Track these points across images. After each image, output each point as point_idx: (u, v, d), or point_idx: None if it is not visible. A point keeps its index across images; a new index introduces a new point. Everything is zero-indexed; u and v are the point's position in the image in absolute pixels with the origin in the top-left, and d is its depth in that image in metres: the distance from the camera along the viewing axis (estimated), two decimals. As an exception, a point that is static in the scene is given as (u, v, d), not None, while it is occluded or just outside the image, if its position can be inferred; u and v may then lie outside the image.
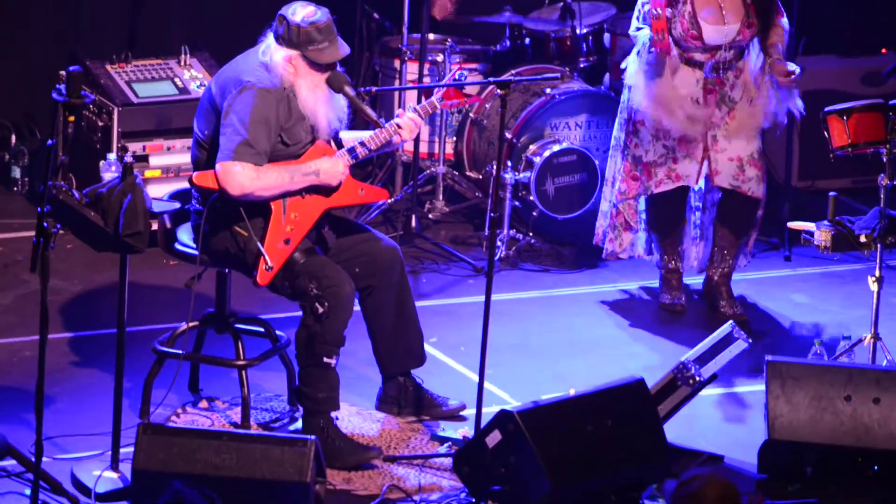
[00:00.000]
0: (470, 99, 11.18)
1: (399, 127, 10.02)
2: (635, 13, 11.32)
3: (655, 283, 11.82)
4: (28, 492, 9.16)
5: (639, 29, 11.28)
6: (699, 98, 11.26)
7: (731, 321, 10.47)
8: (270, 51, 9.75)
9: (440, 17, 12.78)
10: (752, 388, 10.39)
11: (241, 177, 9.55)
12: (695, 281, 11.80)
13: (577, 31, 12.54)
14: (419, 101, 11.15)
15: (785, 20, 11.34)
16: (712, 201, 11.44)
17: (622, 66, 11.53)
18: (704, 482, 7.75)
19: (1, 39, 12.84)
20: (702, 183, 11.34)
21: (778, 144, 12.01)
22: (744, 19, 11.17)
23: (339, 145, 9.91)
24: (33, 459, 9.00)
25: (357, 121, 10.00)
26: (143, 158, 11.62)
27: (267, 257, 9.65)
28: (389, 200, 11.91)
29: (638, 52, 11.35)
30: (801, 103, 11.32)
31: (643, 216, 11.55)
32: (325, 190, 9.81)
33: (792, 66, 11.16)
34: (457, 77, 10.74)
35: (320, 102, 9.78)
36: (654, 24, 11.02)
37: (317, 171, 9.71)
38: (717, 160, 11.28)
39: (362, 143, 9.88)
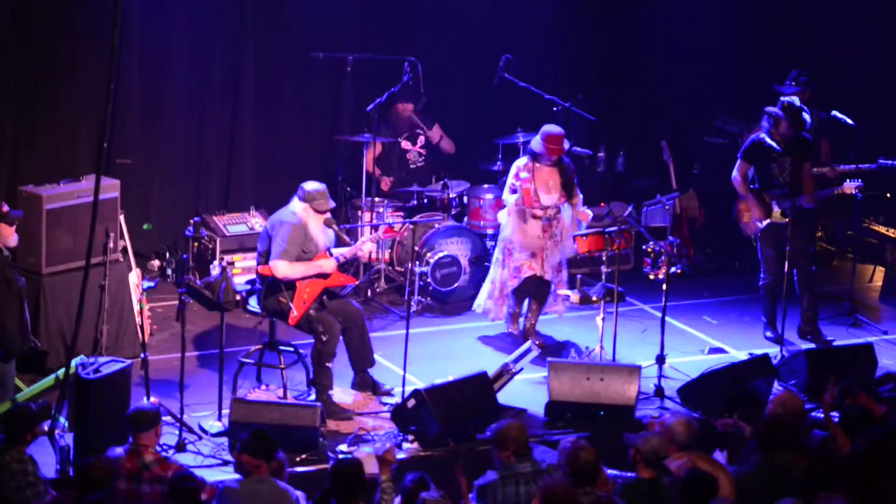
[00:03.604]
0: (396, 232, 11.56)
1: (361, 252, 10.38)
2: (507, 185, 10.84)
3: (500, 323, 11.22)
4: (177, 432, 9.31)
5: (512, 192, 10.79)
6: (540, 234, 10.77)
7: (529, 341, 10.63)
8: (296, 204, 9.90)
9: (385, 189, 12.51)
10: (543, 374, 10.17)
11: (282, 268, 9.77)
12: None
13: (451, 195, 12.23)
14: (371, 233, 11.41)
15: (580, 196, 10.86)
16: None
17: (499, 218, 11.06)
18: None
19: (157, 203, 12.42)
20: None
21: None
22: (560, 192, 10.74)
23: (331, 254, 10.00)
24: (180, 415, 9.40)
25: (341, 241, 10.13)
26: (231, 263, 11.41)
27: (294, 309, 9.81)
28: (357, 283, 11.53)
29: (508, 211, 10.86)
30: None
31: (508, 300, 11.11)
32: (323, 276, 9.92)
33: (588, 212, 10.88)
34: (393, 226, 11.09)
35: (319, 233, 9.93)
36: (525, 197, 10.67)
37: (320, 266, 9.85)
38: (547, 263, 10.81)
39: (343, 255, 10.05)
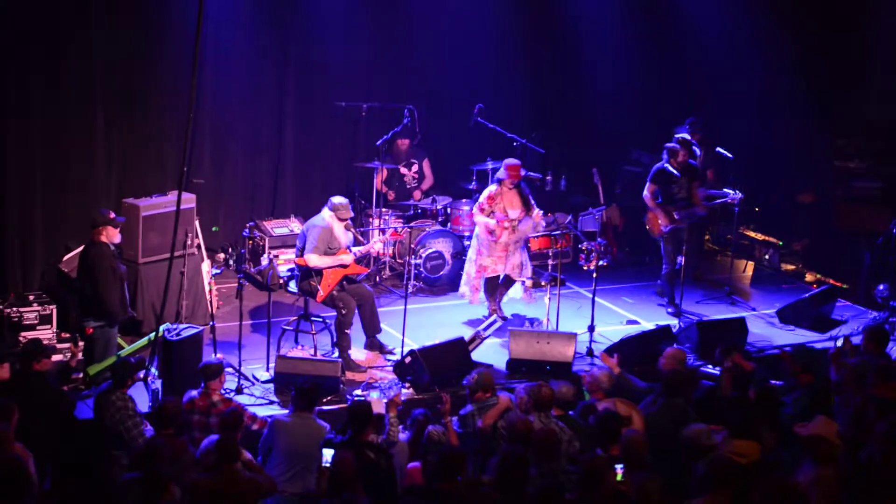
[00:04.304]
0: (400, 235, 11.49)
1: (372, 249, 10.31)
2: (478, 204, 10.52)
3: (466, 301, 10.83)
4: (236, 379, 9.21)
5: (480, 210, 10.49)
6: (506, 240, 10.48)
7: (494, 314, 10.58)
8: (325, 212, 9.83)
9: (391, 199, 12.39)
10: (505, 339, 10.13)
11: (313, 260, 9.70)
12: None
13: (438, 207, 12.14)
14: (380, 235, 11.19)
15: (536, 209, 10.53)
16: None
17: (475, 232, 10.65)
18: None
19: (222, 211, 12.30)
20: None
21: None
22: (521, 208, 10.47)
23: (350, 251, 9.93)
24: (238, 367, 9.25)
25: (357, 241, 10.21)
26: (276, 256, 11.29)
27: (321, 291, 9.76)
28: (369, 271, 11.47)
29: (477, 229, 10.55)
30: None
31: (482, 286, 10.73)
32: (343, 266, 9.83)
33: (540, 215, 10.57)
34: (397, 230, 11.10)
35: (342, 234, 9.85)
36: (498, 229, 10.42)
37: (341, 259, 9.75)
38: (509, 262, 10.53)
39: (359, 251, 10.01)
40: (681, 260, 11.01)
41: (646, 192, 11.19)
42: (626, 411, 7.82)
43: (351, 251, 10.01)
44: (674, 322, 10.86)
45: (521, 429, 7.20)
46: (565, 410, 7.90)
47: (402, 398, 8.96)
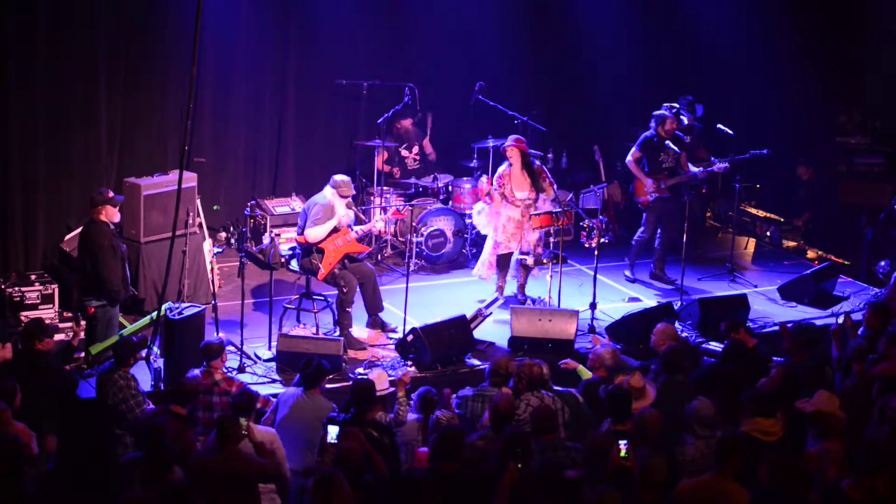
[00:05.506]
0: (402, 214, 11.35)
1: (374, 228, 10.28)
2: (494, 188, 10.50)
3: (476, 279, 10.84)
4: (238, 358, 9.21)
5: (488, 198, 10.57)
6: (518, 218, 10.46)
7: (497, 293, 10.54)
8: (327, 190, 9.84)
9: (396, 176, 12.32)
10: (507, 317, 9.99)
11: (310, 235, 9.71)
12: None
13: (439, 185, 12.06)
14: (382, 214, 11.21)
15: (552, 188, 10.48)
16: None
17: (476, 210, 10.77)
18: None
19: (224, 190, 12.25)
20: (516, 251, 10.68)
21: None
22: (530, 189, 10.47)
23: (352, 229, 9.92)
24: (240, 345, 9.24)
25: (359, 220, 10.16)
26: (277, 235, 11.19)
27: (322, 269, 9.76)
28: (370, 250, 11.37)
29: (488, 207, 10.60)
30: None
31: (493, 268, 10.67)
32: (344, 246, 9.85)
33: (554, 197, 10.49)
34: (399, 209, 11.03)
35: (342, 212, 9.87)
36: (493, 198, 10.44)
37: (337, 223, 9.77)
38: (524, 240, 10.51)
39: (361, 230, 9.99)
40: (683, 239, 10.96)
41: (629, 158, 11.20)
42: (640, 383, 7.75)
43: (353, 230, 10.00)
44: (658, 293, 10.94)
45: (504, 409, 7.15)
46: (537, 389, 7.81)
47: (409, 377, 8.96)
